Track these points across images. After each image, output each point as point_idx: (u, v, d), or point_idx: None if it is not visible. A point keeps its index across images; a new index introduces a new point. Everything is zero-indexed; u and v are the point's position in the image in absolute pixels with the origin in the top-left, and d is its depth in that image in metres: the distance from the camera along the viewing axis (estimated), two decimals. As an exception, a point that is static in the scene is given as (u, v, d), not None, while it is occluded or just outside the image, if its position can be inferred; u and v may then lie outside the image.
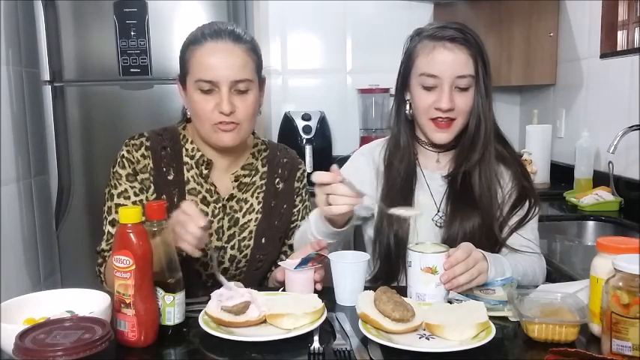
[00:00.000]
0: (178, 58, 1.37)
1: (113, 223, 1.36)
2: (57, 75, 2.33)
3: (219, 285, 1.11)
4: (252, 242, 1.42)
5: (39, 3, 2.27)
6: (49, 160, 2.37)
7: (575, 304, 1.03)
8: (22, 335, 0.85)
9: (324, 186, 1.17)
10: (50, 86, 2.33)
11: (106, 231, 1.37)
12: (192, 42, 1.33)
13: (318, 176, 1.17)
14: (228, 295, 1.06)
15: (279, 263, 1.31)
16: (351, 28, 3.13)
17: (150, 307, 0.99)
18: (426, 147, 1.45)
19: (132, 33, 2.30)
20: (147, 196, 1.37)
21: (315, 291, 1.23)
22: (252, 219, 1.43)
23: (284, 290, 1.25)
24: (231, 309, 1.03)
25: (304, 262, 1.22)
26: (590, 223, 2.12)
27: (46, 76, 2.32)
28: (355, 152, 1.56)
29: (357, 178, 1.43)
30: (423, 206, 1.41)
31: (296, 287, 1.23)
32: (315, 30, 3.14)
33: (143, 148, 1.38)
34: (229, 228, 1.41)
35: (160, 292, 1.02)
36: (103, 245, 1.37)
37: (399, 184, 1.40)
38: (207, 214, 1.39)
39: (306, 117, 2.92)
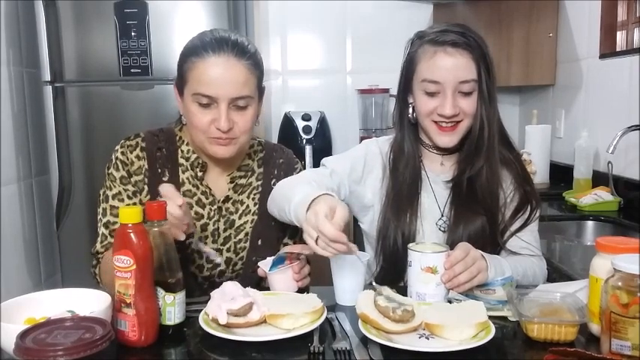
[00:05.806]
0: (177, 64, 1.35)
1: (107, 225, 1.36)
2: (57, 75, 2.33)
3: (215, 287, 1.12)
4: (248, 244, 1.41)
5: (39, 3, 2.27)
6: (49, 160, 2.37)
7: (574, 303, 1.03)
8: (23, 335, 0.85)
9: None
10: (51, 86, 2.33)
11: (101, 232, 1.37)
12: (193, 53, 1.29)
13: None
14: (231, 296, 1.06)
15: (258, 264, 1.29)
16: (351, 28, 3.13)
17: (150, 307, 0.99)
18: (430, 150, 1.43)
19: (132, 33, 2.30)
20: (140, 199, 1.36)
21: (300, 289, 1.24)
22: (248, 220, 1.42)
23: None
24: (238, 311, 1.03)
25: (280, 262, 1.23)
26: (590, 223, 2.12)
27: (47, 77, 2.32)
28: (367, 140, 1.51)
29: (368, 163, 1.43)
30: (426, 210, 1.40)
31: (276, 287, 1.24)
32: (315, 30, 3.14)
33: (138, 149, 1.37)
34: (225, 230, 1.41)
35: (161, 291, 1.02)
36: (98, 247, 1.37)
37: (404, 190, 1.39)
38: (202, 216, 1.38)
39: (306, 117, 2.92)
